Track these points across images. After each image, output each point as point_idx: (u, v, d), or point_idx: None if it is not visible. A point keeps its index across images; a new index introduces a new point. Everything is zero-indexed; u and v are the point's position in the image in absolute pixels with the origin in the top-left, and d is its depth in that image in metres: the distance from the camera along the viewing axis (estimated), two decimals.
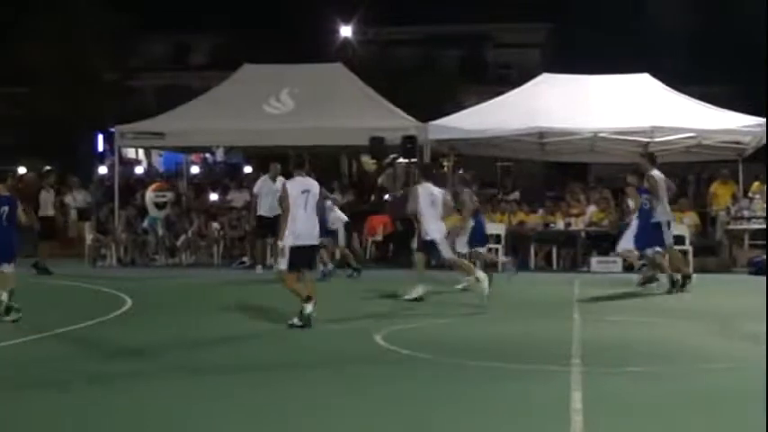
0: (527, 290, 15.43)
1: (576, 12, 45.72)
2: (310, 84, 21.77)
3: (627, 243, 15.69)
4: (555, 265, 19.83)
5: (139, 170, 39.31)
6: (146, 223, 20.99)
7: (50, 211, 19.14)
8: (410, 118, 21.10)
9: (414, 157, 21.59)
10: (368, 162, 27.54)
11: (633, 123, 19.37)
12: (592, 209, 20.52)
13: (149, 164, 41.89)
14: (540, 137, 20.98)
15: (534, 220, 20.87)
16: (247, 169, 31.28)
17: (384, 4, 42.52)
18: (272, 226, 18.42)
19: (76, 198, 23.66)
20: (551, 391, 7.43)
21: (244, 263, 20.11)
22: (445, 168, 27.27)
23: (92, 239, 20.88)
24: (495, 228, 20.17)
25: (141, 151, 38.21)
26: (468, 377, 8.15)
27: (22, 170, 32.17)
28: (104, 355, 9.37)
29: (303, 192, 10.95)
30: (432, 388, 7.69)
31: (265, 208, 18.61)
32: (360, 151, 25.85)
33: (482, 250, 15.96)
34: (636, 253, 15.63)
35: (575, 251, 19.81)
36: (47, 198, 19.16)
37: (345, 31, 40.34)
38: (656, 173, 15.17)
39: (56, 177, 20.46)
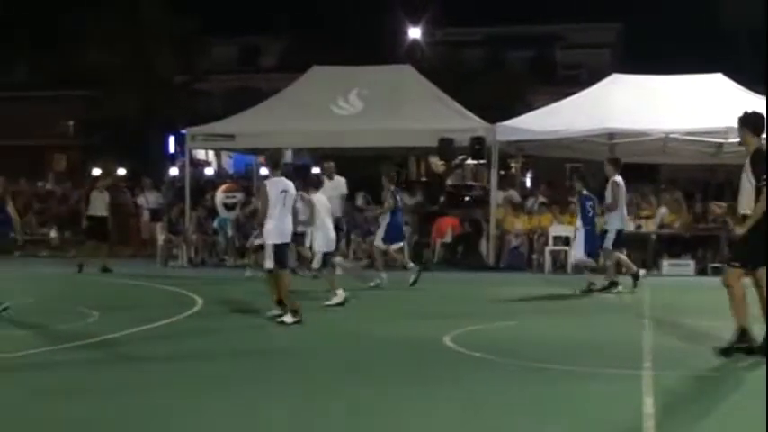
0: (598, 294, 15.18)
1: (647, 11, 45.20)
2: (379, 85, 21.79)
3: (579, 251, 15.49)
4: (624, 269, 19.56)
5: (209, 172, 39.77)
6: (216, 224, 21.20)
7: (100, 212, 19.37)
8: (478, 119, 21.01)
9: (482, 159, 21.54)
10: (436, 163, 27.53)
11: (706, 124, 19.03)
12: (663, 211, 20.24)
13: (219, 165, 42.35)
14: (610, 138, 20.75)
15: (604, 221, 20.57)
16: (315, 170, 31.49)
17: (452, 5, 42.47)
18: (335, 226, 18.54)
19: (149, 199, 24.06)
20: (622, 395, 7.36)
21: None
22: (513, 169, 27.14)
23: (163, 240, 21.17)
24: (563, 230, 20.03)
25: (211, 153, 38.65)
26: (539, 380, 8.08)
27: (96, 171, 32.75)
28: (174, 355, 9.49)
29: (282, 192, 11.43)
30: (502, 391, 7.66)
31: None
32: (428, 152, 25.85)
33: (394, 247, 16.59)
34: (591, 261, 15.53)
35: (645, 253, 19.55)
36: (96, 197, 19.46)
37: (414, 32, 40.39)
38: (619, 179, 15.17)
39: (111, 180, 20.80)
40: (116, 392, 7.61)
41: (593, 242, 15.25)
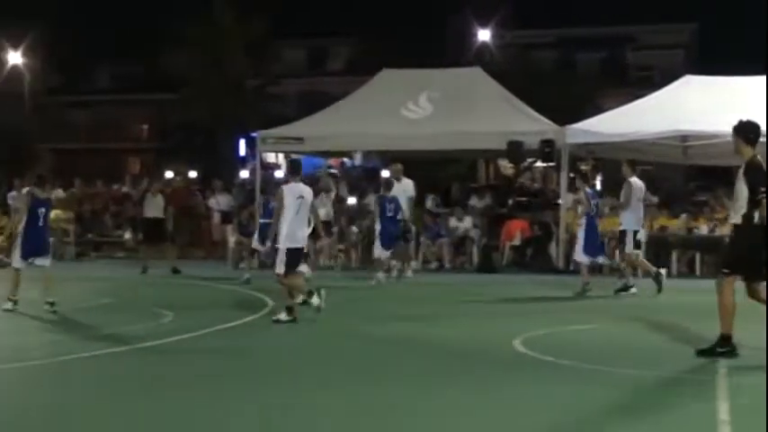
0: (670, 297, 15.02)
1: (722, 11, 44.43)
2: (449, 88, 21.74)
3: (579, 250, 15.58)
4: (698, 272, 19.25)
5: (279, 174, 40.06)
6: None
7: (154, 214, 19.57)
8: (548, 121, 20.86)
9: (552, 161, 21.38)
10: (505, 166, 27.35)
11: None
12: None
13: None
14: (683, 140, 20.46)
15: (676, 225, 20.36)
16: (385, 173, 31.67)
17: (522, 6, 42.26)
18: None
19: (220, 201, 24.29)
20: (697, 401, 7.27)
21: None
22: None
23: (234, 242, 21.33)
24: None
25: (281, 155, 38.97)
26: (611, 385, 7.98)
27: (169, 174, 33.18)
28: (243, 355, 9.62)
29: (298, 198, 11.59)
30: (573, 395, 7.57)
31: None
32: (497, 155, 25.74)
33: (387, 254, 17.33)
34: (587, 262, 15.52)
35: (719, 256, 19.23)
36: (150, 201, 19.76)
37: (483, 34, 40.23)
38: (634, 180, 15.20)
39: (165, 182, 21.14)
40: (189, 389, 7.72)
41: (594, 241, 15.56)
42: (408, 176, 18.95)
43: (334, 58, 54.31)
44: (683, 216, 20.51)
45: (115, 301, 14.28)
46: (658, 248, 19.83)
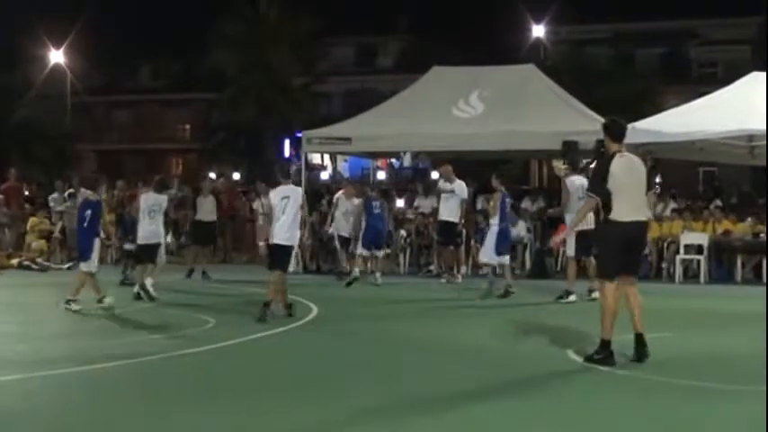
0: (736, 304, 14.58)
1: None
2: (501, 86, 21.10)
3: (490, 251, 15.34)
4: (764, 278, 18.36)
5: (325, 176, 39.64)
6: (332, 229, 20.70)
7: (205, 216, 19.49)
8: (605, 121, 20.04)
9: None
10: (559, 167, 26.59)
11: None
12: None
13: (335, 169, 42.22)
14: (750, 140, 19.56)
15: (742, 229, 19.51)
16: (435, 175, 31.04)
17: (577, 1, 41.40)
18: (450, 232, 17.91)
19: (264, 203, 23.78)
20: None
21: (431, 271, 19.67)
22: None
23: None
24: (696, 237, 19.05)
25: (327, 156, 38.52)
26: (679, 397, 7.63)
27: (212, 176, 32.79)
28: (285, 364, 9.42)
29: (282, 198, 12.42)
30: (635, 409, 7.24)
31: (445, 213, 18.08)
32: (551, 156, 25.01)
33: (380, 253, 17.95)
34: (496, 261, 15.38)
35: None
36: (201, 202, 19.75)
37: (537, 30, 39.41)
38: (573, 179, 14.92)
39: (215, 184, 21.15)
40: (220, 400, 7.49)
41: (506, 242, 15.62)
42: (459, 178, 18.34)
43: (382, 56, 53.71)
44: (749, 220, 19.72)
45: (158, 306, 14.01)
46: (721, 253, 19.08)
